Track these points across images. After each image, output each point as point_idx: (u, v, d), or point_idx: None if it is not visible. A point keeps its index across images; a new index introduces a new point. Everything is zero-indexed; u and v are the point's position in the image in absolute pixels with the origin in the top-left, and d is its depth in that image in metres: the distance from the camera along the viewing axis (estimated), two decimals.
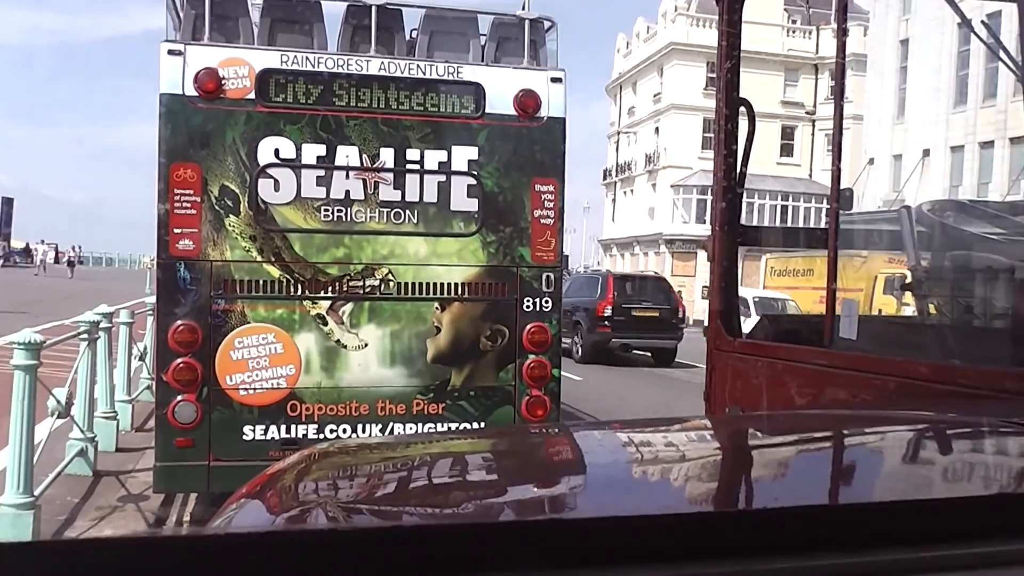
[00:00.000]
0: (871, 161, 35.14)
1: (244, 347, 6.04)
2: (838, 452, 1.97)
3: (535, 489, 1.64)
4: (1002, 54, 4.78)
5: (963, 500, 1.28)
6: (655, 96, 51.14)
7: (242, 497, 1.59)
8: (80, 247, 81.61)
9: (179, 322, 5.91)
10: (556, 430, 3.15)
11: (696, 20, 48.44)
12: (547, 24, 6.83)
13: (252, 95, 6.03)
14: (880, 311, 21.34)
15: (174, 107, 5.94)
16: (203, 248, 5.95)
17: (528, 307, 6.45)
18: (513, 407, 6.45)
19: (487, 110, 6.37)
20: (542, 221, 6.46)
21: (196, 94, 5.94)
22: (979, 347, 3.83)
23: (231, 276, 6.03)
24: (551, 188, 6.47)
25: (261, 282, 6.08)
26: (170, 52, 5.97)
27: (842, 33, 4.15)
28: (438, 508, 1.50)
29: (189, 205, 5.92)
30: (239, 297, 6.04)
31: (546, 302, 6.49)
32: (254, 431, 6.05)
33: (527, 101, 6.39)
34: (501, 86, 6.40)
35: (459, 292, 6.38)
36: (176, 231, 5.90)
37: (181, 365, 5.89)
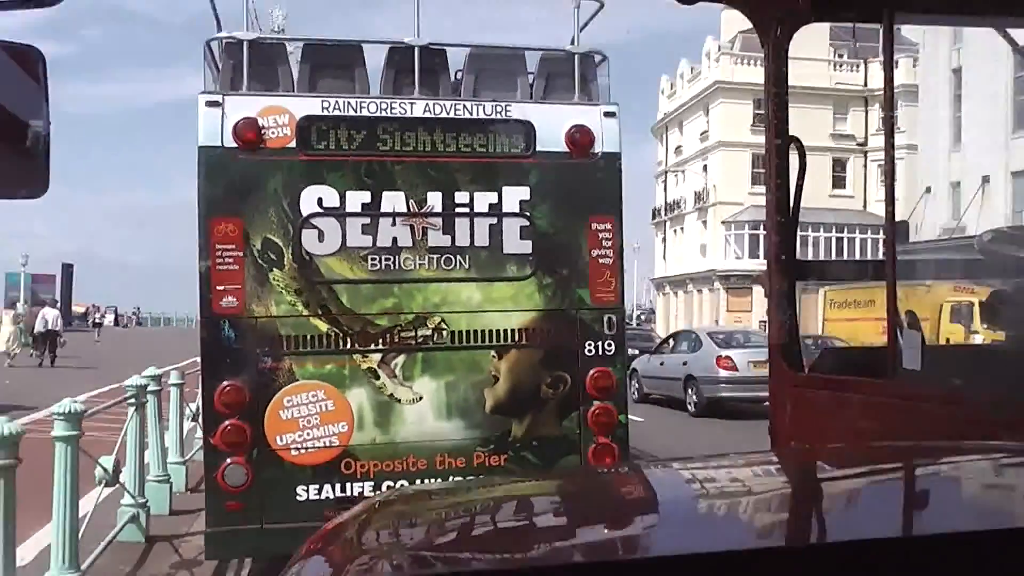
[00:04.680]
0: (928, 190, 34.39)
1: (294, 405, 5.79)
2: (909, 484, 1.93)
3: (605, 530, 1.58)
4: None
5: None
6: (702, 134, 50.89)
7: (305, 553, 1.53)
8: (115, 307, 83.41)
9: (225, 382, 5.69)
10: (622, 469, 3.06)
11: (740, 59, 48.20)
12: (598, 58, 6.58)
13: (293, 144, 5.86)
14: (948, 340, 20.64)
15: (213, 159, 5.78)
16: (247, 304, 5.74)
17: (590, 351, 6.14)
18: (579, 456, 6.12)
19: (538, 148, 6.12)
20: (600, 261, 6.16)
21: (236, 145, 5.77)
22: None
23: (277, 332, 5.80)
24: (608, 226, 6.18)
25: (308, 337, 5.85)
26: (208, 103, 5.82)
27: (889, 66, 3.97)
28: (506, 553, 1.44)
29: (232, 260, 5.73)
30: (286, 354, 5.81)
31: (609, 345, 6.18)
32: (308, 491, 5.79)
33: (580, 137, 6.13)
34: (551, 123, 6.16)
35: (516, 338, 6.08)
36: (219, 288, 5.71)
37: (229, 427, 5.66)
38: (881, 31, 3.72)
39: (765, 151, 4.17)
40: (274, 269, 5.79)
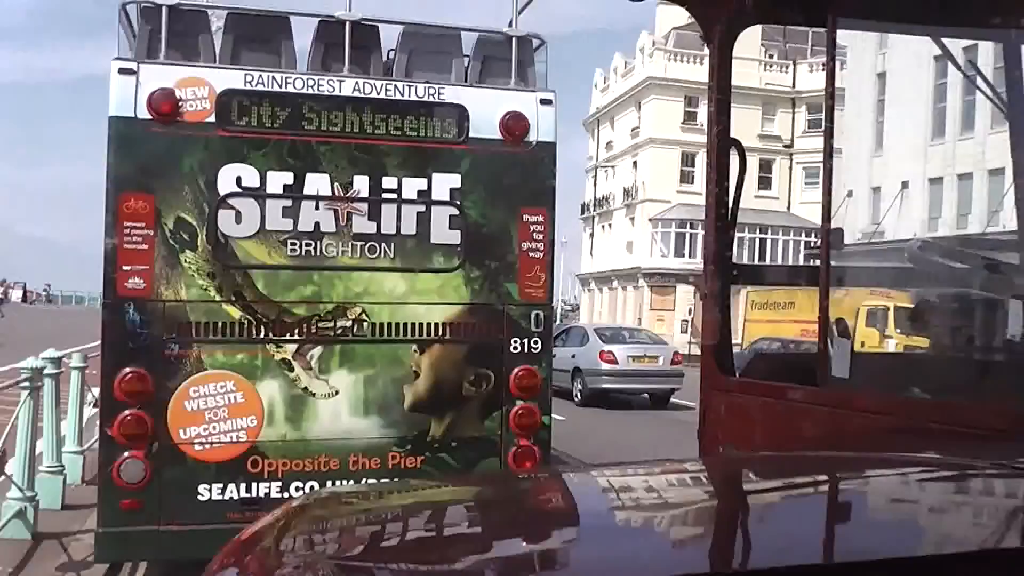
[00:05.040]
0: (850, 194, 35.07)
1: (200, 396, 5.46)
2: (833, 500, 1.95)
3: (525, 544, 1.56)
4: (981, 83, 4.79)
5: (958, 556, 1.29)
6: (633, 130, 51.09)
7: (221, 562, 1.49)
8: (24, 283, 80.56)
9: (127, 369, 5.32)
10: (546, 476, 3.05)
11: (673, 55, 48.51)
12: (536, 43, 6.33)
13: (212, 118, 5.52)
14: (863, 344, 21.08)
15: (125, 131, 5.42)
16: (155, 287, 5.39)
17: (516, 348, 5.92)
18: (499, 458, 5.91)
19: (471, 134, 5.87)
20: (531, 254, 5.94)
21: (150, 117, 5.42)
22: (978, 384, 3.85)
23: (186, 318, 5.47)
24: (540, 219, 5.97)
25: (220, 324, 5.52)
26: (121, 71, 5.45)
27: (832, 71, 3.89)
28: (427, 566, 1.43)
29: (140, 239, 5.37)
30: (195, 341, 5.48)
31: (535, 343, 5.96)
32: (210, 491, 5.47)
33: (514, 124, 5.90)
34: (486, 108, 5.90)
35: (440, 333, 5.84)
36: (125, 268, 5.35)
37: (128, 417, 5.30)
38: (818, 35, 3.71)
39: (706, 152, 4.13)
40: (186, 250, 5.47)
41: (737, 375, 4.19)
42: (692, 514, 1.79)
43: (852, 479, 2.08)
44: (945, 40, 4.70)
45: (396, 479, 5.62)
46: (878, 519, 1.70)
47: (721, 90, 4.02)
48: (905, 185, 33.63)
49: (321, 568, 1.35)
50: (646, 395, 20.07)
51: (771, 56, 49.09)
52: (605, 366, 19.28)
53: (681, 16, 49.95)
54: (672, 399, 19.62)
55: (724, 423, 3.90)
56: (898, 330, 22.34)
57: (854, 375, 3.66)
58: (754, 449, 3.57)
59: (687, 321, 43.42)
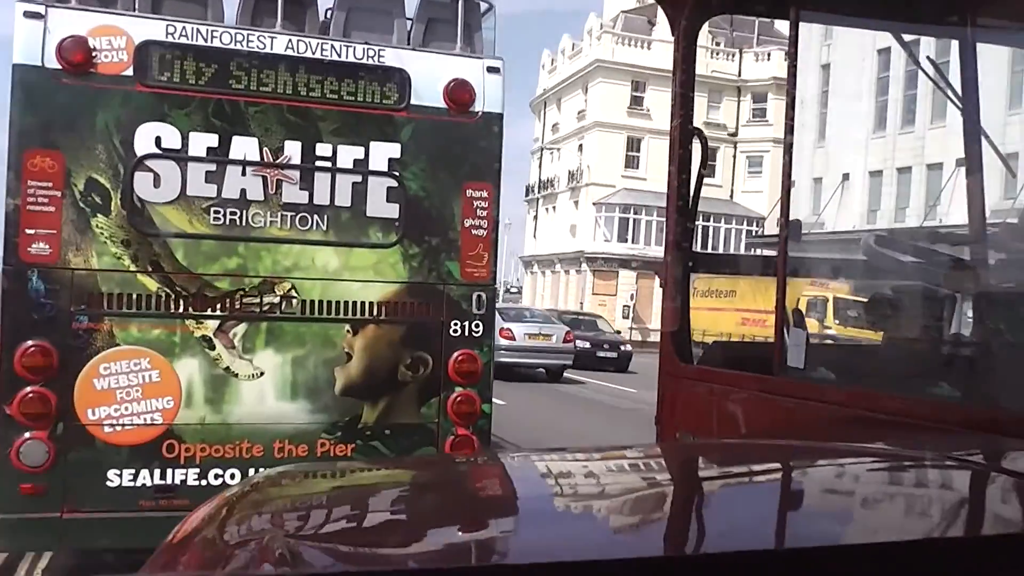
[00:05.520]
0: (793, 183, 35.42)
1: (111, 374, 5.08)
2: (787, 489, 1.98)
3: (462, 532, 1.55)
4: (937, 79, 4.78)
5: (904, 543, 1.31)
6: (579, 113, 51.02)
7: (167, 554, 1.46)
8: None
9: (29, 343, 4.93)
10: (494, 460, 3.02)
11: (621, 39, 48.48)
12: (484, 7, 6.02)
13: (130, 71, 5.13)
14: None
15: (31, 81, 5.01)
16: (63, 253, 5.00)
17: (456, 331, 5.63)
18: (436, 447, 5.63)
19: (412, 101, 5.55)
20: (474, 232, 5.65)
21: (59, 67, 5.01)
22: (928, 376, 3.89)
23: (97, 288, 5.08)
24: (485, 194, 5.68)
25: (135, 296, 5.14)
26: (27, 14, 5.02)
27: (794, 64, 3.90)
28: (367, 549, 1.42)
29: (46, 201, 4.97)
30: (107, 314, 5.10)
31: (476, 326, 5.68)
32: (121, 476, 5.10)
33: (459, 92, 5.58)
34: (429, 74, 5.58)
35: (375, 313, 5.53)
36: (28, 232, 4.95)
37: (30, 395, 4.91)
38: (764, 24, 3.55)
39: (669, 139, 4.16)
40: (98, 215, 5.08)
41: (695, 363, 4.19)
42: (646, 500, 1.80)
43: (802, 468, 2.09)
44: (904, 35, 4.67)
45: None
46: (826, 507, 1.73)
47: (685, 76, 4.01)
48: (846, 177, 34.07)
49: (279, 546, 1.28)
50: (542, 369, 22.23)
51: (718, 44, 49.32)
52: (504, 342, 20.64)
53: (630, 0, 49.97)
54: (565, 374, 22.45)
55: (682, 410, 3.92)
56: (836, 320, 22.64)
57: (809, 365, 3.65)
58: (711, 436, 3.60)
59: (629, 307, 43.61)
